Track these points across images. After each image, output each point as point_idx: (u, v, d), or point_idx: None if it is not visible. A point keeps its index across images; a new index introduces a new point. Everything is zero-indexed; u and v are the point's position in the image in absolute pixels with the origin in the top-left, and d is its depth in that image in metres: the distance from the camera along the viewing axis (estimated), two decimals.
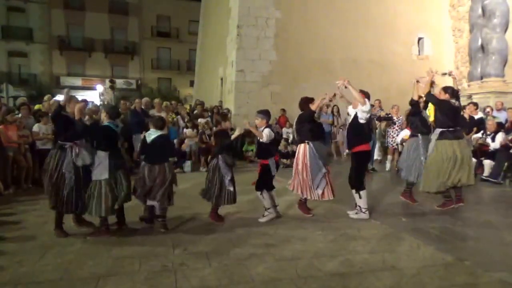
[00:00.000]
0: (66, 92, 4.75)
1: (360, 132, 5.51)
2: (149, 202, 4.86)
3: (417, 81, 6.25)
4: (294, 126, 5.72)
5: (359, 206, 5.48)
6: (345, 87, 5.40)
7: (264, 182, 5.32)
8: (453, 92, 5.86)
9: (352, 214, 5.52)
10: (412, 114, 6.48)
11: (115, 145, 4.77)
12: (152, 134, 4.87)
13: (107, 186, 4.49)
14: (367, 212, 5.46)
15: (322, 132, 6.01)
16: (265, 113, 5.41)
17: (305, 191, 5.46)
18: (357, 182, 5.48)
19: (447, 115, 5.69)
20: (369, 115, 5.51)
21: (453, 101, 5.76)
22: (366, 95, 5.54)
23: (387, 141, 10.22)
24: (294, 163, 5.63)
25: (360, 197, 5.46)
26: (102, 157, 4.56)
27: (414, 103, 6.36)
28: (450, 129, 5.67)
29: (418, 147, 6.17)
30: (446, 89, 5.88)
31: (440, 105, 5.75)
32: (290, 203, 6.29)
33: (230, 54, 14.74)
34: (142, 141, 5.00)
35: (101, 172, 4.51)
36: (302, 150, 5.46)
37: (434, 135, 5.84)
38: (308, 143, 5.41)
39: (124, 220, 4.91)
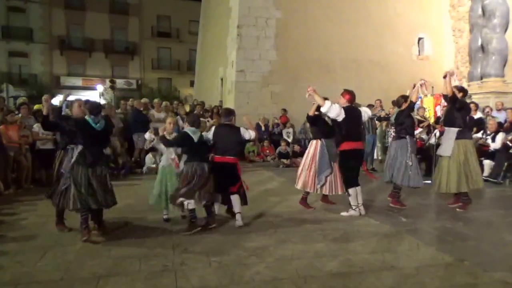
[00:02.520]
0: (45, 100, 4.58)
1: (340, 130, 5.55)
2: (201, 203, 4.75)
3: (422, 84, 6.14)
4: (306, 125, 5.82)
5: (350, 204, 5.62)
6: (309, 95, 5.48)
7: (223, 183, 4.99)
8: (466, 92, 5.99)
9: (343, 213, 5.59)
10: (407, 115, 6.26)
11: (92, 141, 4.55)
12: (196, 133, 4.81)
13: (72, 180, 4.40)
14: (357, 209, 5.51)
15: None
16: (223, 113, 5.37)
17: (309, 186, 5.70)
18: (344, 180, 5.61)
19: (465, 115, 5.75)
20: (332, 114, 5.37)
21: (465, 100, 5.85)
22: (351, 94, 5.56)
23: (387, 141, 10.23)
24: (303, 159, 5.86)
25: (349, 195, 5.56)
26: (74, 150, 4.51)
27: (411, 104, 6.24)
28: (465, 128, 5.73)
29: (407, 149, 5.91)
30: (461, 88, 5.91)
31: (463, 105, 5.76)
32: (290, 203, 6.29)
33: (230, 54, 14.75)
34: (185, 139, 4.78)
35: (67, 165, 4.48)
36: (314, 145, 5.76)
37: (451, 135, 5.77)
38: (321, 139, 5.69)
39: (101, 222, 4.78)
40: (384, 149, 10.95)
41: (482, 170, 8.43)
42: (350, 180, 5.54)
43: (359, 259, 3.82)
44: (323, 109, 5.40)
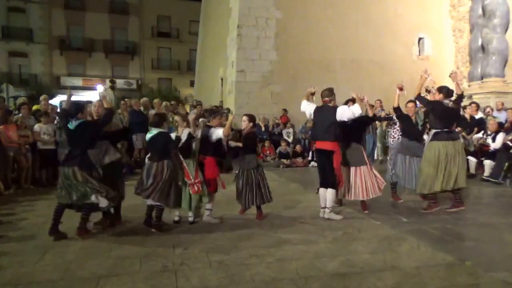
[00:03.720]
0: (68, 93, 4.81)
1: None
2: (148, 202, 4.84)
3: (401, 89, 6.11)
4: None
5: None
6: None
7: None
8: (448, 92, 5.76)
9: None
10: (398, 117, 6.56)
11: (69, 142, 4.66)
12: (150, 133, 4.92)
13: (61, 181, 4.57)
14: (321, 210, 5.42)
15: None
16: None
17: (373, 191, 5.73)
18: None
19: (440, 116, 5.57)
20: (307, 114, 5.68)
21: (446, 101, 5.66)
22: (323, 95, 5.43)
23: (387, 141, 10.22)
24: None
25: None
26: None
27: (394, 110, 6.41)
28: (444, 130, 5.56)
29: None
30: (440, 89, 5.77)
31: (432, 106, 5.65)
32: (290, 203, 6.29)
33: (231, 54, 14.74)
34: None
35: None
36: None
37: (428, 137, 5.83)
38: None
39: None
40: (384, 149, 10.94)
41: (483, 170, 8.46)
42: (320, 179, 5.49)
43: (360, 260, 3.82)
44: (301, 108, 5.61)
